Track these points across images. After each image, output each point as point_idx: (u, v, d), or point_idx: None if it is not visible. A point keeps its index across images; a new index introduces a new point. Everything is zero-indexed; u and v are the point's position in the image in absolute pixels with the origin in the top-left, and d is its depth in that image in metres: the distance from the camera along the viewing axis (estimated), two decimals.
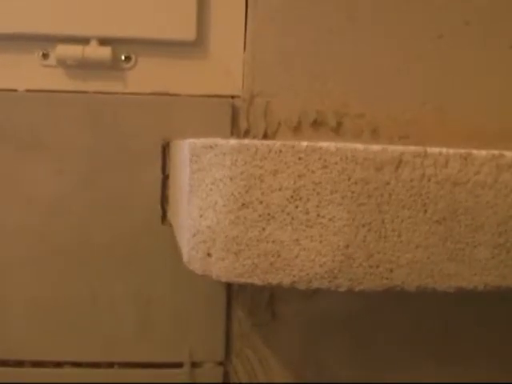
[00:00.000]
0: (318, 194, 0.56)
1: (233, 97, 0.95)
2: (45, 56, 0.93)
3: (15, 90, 0.93)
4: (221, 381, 0.96)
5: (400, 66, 0.96)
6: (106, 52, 0.92)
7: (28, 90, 0.93)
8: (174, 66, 0.95)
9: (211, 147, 0.59)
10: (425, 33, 0.96)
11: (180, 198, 0.68)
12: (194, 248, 0.60)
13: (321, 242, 0.56)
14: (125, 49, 0.94)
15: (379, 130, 0.96)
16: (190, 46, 0.94)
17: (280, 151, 0.56)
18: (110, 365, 0.95)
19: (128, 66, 0.94)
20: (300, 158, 0.56)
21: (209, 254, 0.59)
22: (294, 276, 0.57)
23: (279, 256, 0.57)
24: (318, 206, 0.56)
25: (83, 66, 0.93)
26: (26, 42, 0.93)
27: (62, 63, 0.93)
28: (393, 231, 0.57)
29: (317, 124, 0.95)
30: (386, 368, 0.98)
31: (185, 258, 0.62)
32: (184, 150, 0.65)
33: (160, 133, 0.93)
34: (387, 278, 0.57)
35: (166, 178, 0.93)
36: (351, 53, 0.95)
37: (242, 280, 0.58)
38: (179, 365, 0.95)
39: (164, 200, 0.93)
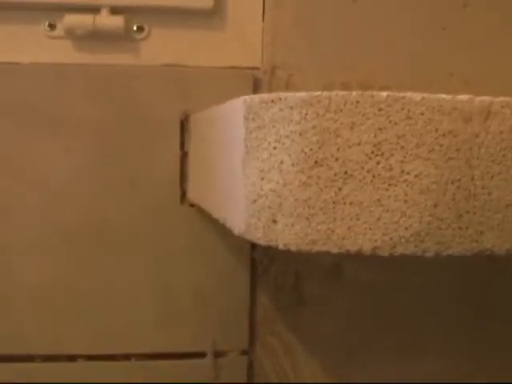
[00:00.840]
0: (402, 148, 0.49)
1: (252, 68, 0.88)
2: (51, 26, 0.85)
3: (18, 64, 0.84)
4: (245, 371, 0.88)
5: (424, 35, 0.90)
6: (118, 21, 0.84)
7: (33, 63, 0.84)
8: (190, 36, 0.87)
9: (273, 101, 0.52)
10: (449, 1, 0.90)
11: (226, 167, 0.61)
12: (255, 215, 0.53)
13: (406, 201, 0.50)
14: (137, 18, 0.86)
15: None
16: (206, 14, 0.87)
17: (357, 102, 0.50)
18: (127, 357, 0.87)
19: (141, 36, 0.87)
20: (380, 109, 0.49)
21: (274, 221, 0.52)
22: (375, 241, 0.50)
23: (358, 219, 0.50)
24: (402, 162, 0.49)
25: (93, 37, 0.85)
26: (30, 11, 0.84)
27: (71, 34, 0.85)
28: (483, 189, 0.50)
29: None
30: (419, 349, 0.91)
31: (240, 227, 0.55)
32: (233, 110, 0.58)
33: (177, 107, 0.85)
34: (477, 241, 0.51)
35: (184, 155, 0.85)
36: (376, 22, 0.89)
37: (316, 248, 0.51)
38: (202, 355, 0.87)
39: (183, 178, 0.86)
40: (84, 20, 0.83)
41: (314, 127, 0.50)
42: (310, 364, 0.89)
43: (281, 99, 0.52)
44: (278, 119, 0.52)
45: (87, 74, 0.85)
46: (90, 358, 0.86)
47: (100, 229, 0.85)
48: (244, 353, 0.88)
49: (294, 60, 0.88)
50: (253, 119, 0.53)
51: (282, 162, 0.51)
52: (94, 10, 0.84)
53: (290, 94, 0.51)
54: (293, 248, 0.51)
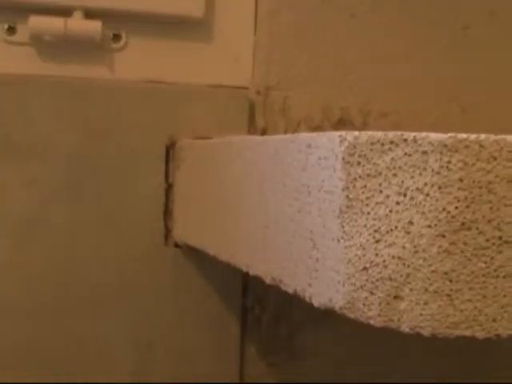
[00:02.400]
0: None
1: (240, 88, 0.75)
2: (11, 30, 0.68)
3: None
4: None
5: (423, 57, 0.80)
6: (94, 27, 0.69)
7: None
8: (171, 48, 0.73)
9: (393, 143, 0.40)
10: (449, 24, 0.81)
11: (284, 217, 0.48)
12: (366, 287, 0.40)
13: None
14: (113, 25, 0.71)
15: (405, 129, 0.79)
16: (192, 24, 0.73)
17: None
18: None
19: (117, 46, 0.71)
20: None
21: (397, 297, 0.40)
22: None
23: None
24: None
25: (61, 45, 0.69)
26: None
27: (36, 40, 0.68)
28: None
29: (341, 123, 0.77)
30: None
31: (336, 301, 0.42)
32: (308, 145, 0.45)
33: (162, 131, 0.71)
34: None
35: (169, 188, 0.71)
36: (374, 42, 0.78)
37: (457, 332, 0.39)
38: None
39: (167, 215, 0.71)
40: (53, 24, 0.67)
41: (460, 180, 0.38)
42: None
43: (406, 141, 0.39)
44: (401, 166, 0.39)
45: (54, 88, 0.69)
46: None
47: (68, 274, 0.69)
48: None
49: (289, 80, 0.75)
50: (358, 164, 0.41)
51: (410, 222, 0.39)
52: (65, 12, 0.68)
53: (420, 135, 0.39)
54: (425, 332, 0.39)
